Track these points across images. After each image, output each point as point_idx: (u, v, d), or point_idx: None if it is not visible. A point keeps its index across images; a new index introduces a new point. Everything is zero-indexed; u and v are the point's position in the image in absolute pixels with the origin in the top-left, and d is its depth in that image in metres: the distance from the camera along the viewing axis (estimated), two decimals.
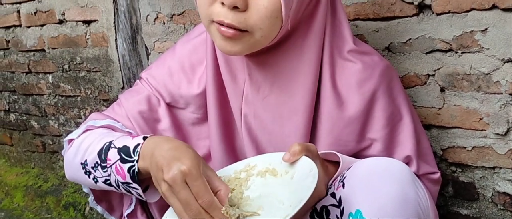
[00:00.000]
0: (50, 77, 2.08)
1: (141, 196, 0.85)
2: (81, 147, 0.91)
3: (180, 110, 1.00)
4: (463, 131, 1.13)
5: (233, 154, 0.98)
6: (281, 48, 0.88)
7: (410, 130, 0.94)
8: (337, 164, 0.87)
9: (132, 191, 0.85)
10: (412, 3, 1.10)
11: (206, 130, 1.01)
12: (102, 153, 0.86)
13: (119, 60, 1.78)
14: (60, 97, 2.08)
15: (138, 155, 0.81)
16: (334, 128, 0.91)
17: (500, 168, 1.11)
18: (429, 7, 1.09)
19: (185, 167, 0.72)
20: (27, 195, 2.17)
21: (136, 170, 0.81)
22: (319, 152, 0.86)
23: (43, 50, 2.04)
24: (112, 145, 0.85)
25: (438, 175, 0.99)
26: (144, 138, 0.83)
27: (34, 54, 2.10)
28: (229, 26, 0.79)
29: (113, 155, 0.84)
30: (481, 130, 1.10)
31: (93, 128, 0.94)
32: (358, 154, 0.94)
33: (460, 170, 1.17)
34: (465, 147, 1.14)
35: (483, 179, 1.15)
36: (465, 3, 1.04)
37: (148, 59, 1.68)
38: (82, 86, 1.96)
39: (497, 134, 1.08)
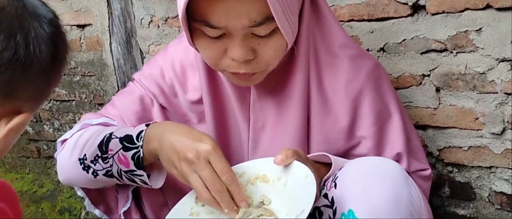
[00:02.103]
0: None
1: (146, 183, 0.85)
2: (78, 144, 0.90)
3: (173, 112, 1.00)
4: (459, 131, 1.13)
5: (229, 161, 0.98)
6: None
7: (400, 127, 0.94)
8: (328, 165, 0.87)
9: (136, 179, 0.85)
10: (406, 4, 1.10)
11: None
12: (103, 145, 0.86)
13: (113, 64, 1.77)
14: (54, 102, 2.07)
15: (142, 140, 0.82)
16: (322, 127, 0.92)
17: (497, 167, 1.11)
18: (423, 7, 1.09)
19: (209, 146, 0.75)
20: (22, 200, 2.16)
21: (141, 155, 0.82)
22: (310, 154, 0.87)
23: None
24: (113, 136, 0.86)
25: (429, 171, 0.98)
26: (147, 125, 0.84)
27: None
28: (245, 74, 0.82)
29: (114, 145, 0.84)
30: (477, 130, 1.10)
31: (88, 126, 0.94)
32: (348, 153, 0.94)
33: (457, 170, 1.17)
34: (461, 147, 1.14)
35: (479, 179, 1.15)
36: (459, 3, 1.04)
37: (142, 63, 1.68)
38: (77, 90, 1.95)
39: (493, 133, 1.08)
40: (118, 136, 0.85)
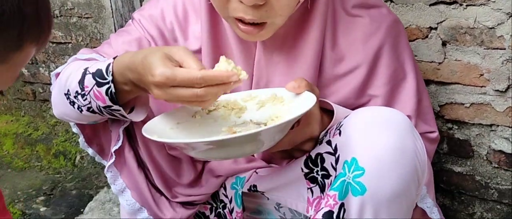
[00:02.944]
0: None
1: (125, 116, 0.82)
2: (62, 79, 0.88)
3: None
4: (462, 87, 1.11)
5: None
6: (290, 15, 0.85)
7: (413, 88, 0.92)
8: (331, 115, 0.85)
9: (116, 114, 0.83)
10: None
11: None
12: (80, 82, 0.83)
13: (111, 6, 1.72)
14: (50, 44, 2.03)
15: (112, 74, 0.78)
16: (334, 87, 0.90)
17: (497, 125, 1.10)
18: None
19: (158, 74, 0.69)
20: (17, 142, 2.15)
21: (113, 90, 0.79)
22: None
23: None
24: (87, 72, 0.83)
25: (436, 134, 0.97)
26: (114, 58, 0.81)
27: None
28: (250, 22, 0.78)
29: (89, 81, 0.82)
30: (481, 87, 1.08)
31: (76, 60, 0.91)
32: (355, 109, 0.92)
33: (456, 127, 1.16)
34: (463, 104, 1.12)
35: (479, 137, 1.13)
36: None
37: (141, 6, 1.63)
38: (73, 32, 1.90)
39: (497, 90, 1.06)
40: (91, 72, 0.82)
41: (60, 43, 1.98)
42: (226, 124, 0.82)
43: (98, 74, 0.80)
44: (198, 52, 0.93)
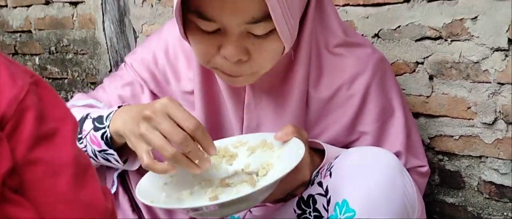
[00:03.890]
0: (37, 59, 2.05)
1: (118, 161, 0.83)
2: None
3: None
4: (450, 120, 1.13)
5: None
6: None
7: (401, 124, 0.93)
8: (322, 154, 0.87)
9: (110, 158, 0.84)
10: None
11: None
12: (78, 126, 0.84)
13: (106, 42, 1.75)
14: (47, 80, 2.05)
15: (110, 121, 0.80)
16: (323, 126, 0.91)
17: (487, 157, 1.11)
18: None
19: (165, 100, 0.72)
20: None
21: (108, 134, 0.80)
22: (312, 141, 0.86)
23: (30, 31, 2.01)
24: (88, 117, 0.85)
25: (426, 168, 0.98)
26: (119, 107, 0.83)
27: (20, 35, 2.07)
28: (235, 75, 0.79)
29: (88, 125, 0.83)
30: (469, 119, 1.10)
31: (74, 107, 0.93)
32: (347, 146, 0.93)
33: (447, 159, 1.17)
34: (452, 136, 1.14)
35: (469, 168, 1.15)
36: None
37: (136, 42, 1.66)
38: (69, 68, 1.93)
39: (485, 123, 1.08)
40: (92, 117, 0.84)
41: (57, 78, 2.00)
42: (218, 174, 0.82)
43: (98, 120, 0.82)
44: (191, 93, 0.95)
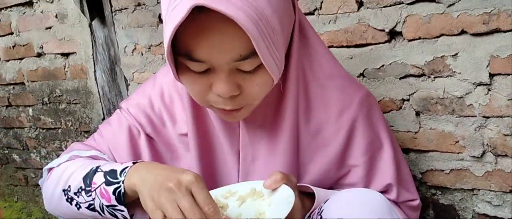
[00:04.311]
0: (30, 110, 2.06)
1: (126, 218, 0.83)
2: (64, 175, 0.89)
3: (160, 143, 0.99)
4: (440, 154, 1.14)
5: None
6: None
7: (390, 157, 0.94)
8: (312, 197, 0.87)
9: (118, 214, 0.84)
10: (383, 30, 1.11)
11: (187, 165, 1.00)
12: (87, 178, 0.85)
13: (98, 91, 1.77)
14: (41, 130, 2.06)
15: (125, 176, 0.81)
16: (314, 159, 0.92)
17: (479, 189, 1.12)
18: (400, 33, 1.10)
19: (191, 176, 0.73)
20: None
21: (122, 190, 0.80)
22: (301, 185, 0.86)
23: (23, 83, 2.03)
24: (98, 170, 0.85)
25: (417, 201, 0.99)
26: (134, 163, 0.83)
27: (13, 87, 2.08)
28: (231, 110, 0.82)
29: (98, 179, 0.83)
30: (458, 153, 1.11)
31: (78, 157, 0.93)
32: (338, 182, 0.94)
33: (440, 193, 1.18)
34: (443, 170, 1.15)
35: (462, 201, 1.15)
36: (435, 29, 1.05)
37: (127, 90, 1.68)
38: (63, 118, 1.94)
39: (474, 156, 1.09)
40: (104, 170, 0.84)
41: (50, 128, 2.01)
42: None
43: (110, 174, 0.83)
44: (186, 135, 0.96)
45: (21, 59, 1.98)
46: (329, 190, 0.90)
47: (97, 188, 0.83)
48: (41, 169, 2.14)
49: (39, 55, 1.90)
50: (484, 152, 1.08)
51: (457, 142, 1.10)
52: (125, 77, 1.67)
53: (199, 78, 0.79)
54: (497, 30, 0.99)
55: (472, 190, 1.13)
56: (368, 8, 1.12)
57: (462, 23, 1.02)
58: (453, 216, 1.17)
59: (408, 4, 1.07)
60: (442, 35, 1.05)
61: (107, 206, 0.83)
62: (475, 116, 1.07)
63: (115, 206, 0.82)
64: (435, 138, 1.13)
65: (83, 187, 0.85)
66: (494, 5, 0.98)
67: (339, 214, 0.79)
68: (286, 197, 0.78)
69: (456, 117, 1.09)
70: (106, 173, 0.83)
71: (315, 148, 0.92)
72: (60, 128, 1.97)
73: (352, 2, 1.14)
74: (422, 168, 1.17)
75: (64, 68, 1.85)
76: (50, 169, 0.95)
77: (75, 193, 0.86)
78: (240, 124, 0.92)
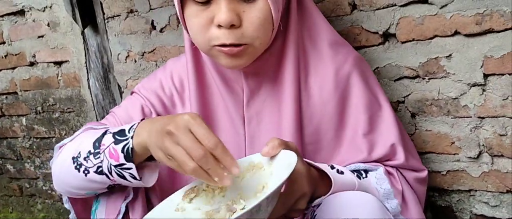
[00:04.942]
0: (23, 119, 2.04)
1: (135, 177, 0.83)
2: (75, 143, 0.90)
3: None
4: (436, 156, 1.13)
5: None
6: (266, 52, 0.92)
7: (391, 117, 0.96)
8: (324, 174, 0.85)
9: (125, 174, 0.83)
10: (377, 33, 1.11)
11: None
12: (97, 141, 0.86)
13: (92, 99, 1.76)
14: (35, 140, 2.04)
15: (134, 132, 0.81)
16: (313, 118, 0.95)
17: (476, 190, 1.11)
18: (393, 35, 1.10)
19: (187, 115, 0.73)
20: None
21: (131, 146, 0.80)
22: (314, 163, 0.85)
23: (16, 93, 2.01)
24: (108, 132, 0.86)
25: (425, 173, 1.00)
26: (142, 120, 0.85)
27: (6, 97, 2.07)
28: (232, 45, 0.84)
29: (107, 140, 0.84)
30: (454, 154, 1.11)
31: (91, 129, 0.94)
32: (340, 143, 0.96)
33: (437, 194, 1.17)
34: (439, 172, 1.14)
35: (460, 202, 1.15)
36: (428, 30, 1.05)
37: (121, 97, 1.67)
38: (57, 127, 1.93)
39: (470, 157, 1.09)
40: (113, 132, 0.85)
41: (44, 138, 1.99)
42: (216, 207, 0.79)
43: (119, 133, 0.84)
44: None
45: (13, 68, 1.97)
46: (345, 176, 0.88)
47: (106, 149, 0.84)
48: (35, 179, 2.12)
49: (31, 64, 1.89)
50: (480, 153, 1.08)
51: (453, 143, 1.10)
52: (118, 85, 1.66)
53: (201, 11, 0.84)
54: (490, 31, 0.99)
55: (469, 191, 1.12)
56: (361, 10, 1.12)
57: (455, 24, 1.02)
58: (451, 218, 1.16)
59: (401, 6, 1.07)
60: (435, 36, 1.05)
61: (115, 166, 0.83)
62: (471, 117, 1.06)
63: (123, 164, 0.82)
64: (431, 139, 1.13)
65: (92, 151, 0.86)
66: (486, 6, 0.98)
67: (334, 213, 0.79)
68: (287, 161, 0.75)
69: (452, 118, 1.09)
70: (115, 134, 0.84)
71: (314, 107, 0.95)
72: (54, 137, 1.95)
73: (345, 5, 1.14)
74: None
75: (57, 76, 1.83)
76: (61, 147, 0.96)
77: (84, 158, 0.87)
78: (244, 88, 0.96)
